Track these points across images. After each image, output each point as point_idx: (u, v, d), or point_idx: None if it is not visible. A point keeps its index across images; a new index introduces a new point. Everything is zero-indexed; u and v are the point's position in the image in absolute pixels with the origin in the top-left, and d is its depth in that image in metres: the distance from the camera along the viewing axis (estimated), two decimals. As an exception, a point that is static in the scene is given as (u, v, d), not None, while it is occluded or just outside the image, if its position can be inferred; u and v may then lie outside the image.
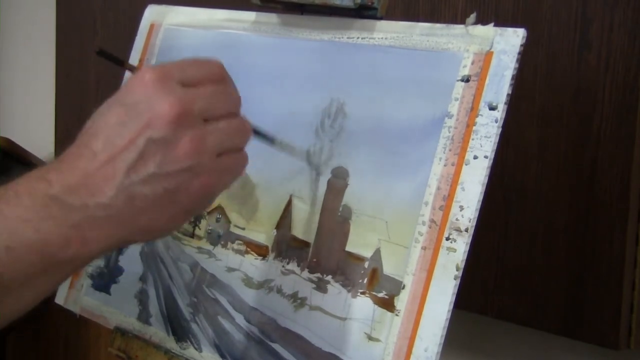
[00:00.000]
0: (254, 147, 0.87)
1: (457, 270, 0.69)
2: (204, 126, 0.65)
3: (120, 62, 0.69)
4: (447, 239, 0.70)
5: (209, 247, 0.89)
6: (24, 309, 0.64)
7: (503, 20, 1.01)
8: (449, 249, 0.70)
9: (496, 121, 0.69)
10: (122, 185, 0.62)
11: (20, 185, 0.63)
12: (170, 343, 0.89)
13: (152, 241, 0.73)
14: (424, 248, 0.71)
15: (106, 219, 0.62)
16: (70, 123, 1.81)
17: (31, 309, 0.65)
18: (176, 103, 0.63)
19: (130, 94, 0.64)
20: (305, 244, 0.81)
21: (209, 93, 0.66)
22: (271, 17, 0.90)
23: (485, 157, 0.69)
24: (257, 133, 0.76)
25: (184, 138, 0.63)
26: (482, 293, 1.08)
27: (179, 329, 0.88)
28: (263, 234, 0.84)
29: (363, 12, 0.81)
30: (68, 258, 0.62)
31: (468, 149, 0.70)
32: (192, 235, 0.91)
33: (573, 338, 1.02)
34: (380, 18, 0.81)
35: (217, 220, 0.89)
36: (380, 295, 0.73)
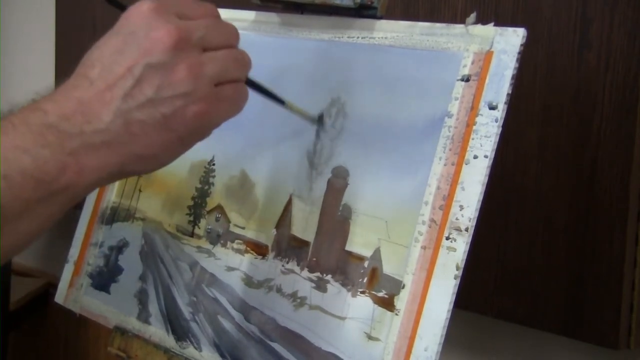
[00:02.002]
0: (254, 147, 0.87)
1: (457, 269, 0.69)
2: (202, 54, 0.65)
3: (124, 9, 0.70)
4: (447, 238, 0.70)
5: (208, 246, 0.89)
6: (21, 244, 0.63)
7: (503, 20, 1.01)
8: (449, 248, 0.69)
9: (496, 121, 0.69)
10: (119, 111, 0.63)
11: (16, 117, 0.63)
12: (170, 342, 0.89)
13: (149, 172, 0.72)
14: (423, 247, 0.71)
15: (102, 145, 0.63)
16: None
17: (31, 309, 0.65)
18: (174, 30, 0.64)
19: (127, 24, 0.65)
20: (305, 244, 0.81)
21: (206, 24, 0.67)
22: (271, 17, 0.90)
23: (485, 156, 0.69)
24: (268, 93, 0.78)
25: (182, 64, 0.64)
26: (482, 293, 1.08)
27: (178, 329, 0.88)
28: (263, 233, 0.84)
29: (363, 12, 0.81)
30: (64, 186, 0.62)
31: (468, 149, 0.70)
32: (192, 235, 0.91)
33: (573, 338, 1.02)
34: (380, 17, 0.81)
35: (217, 220, 0.89)
36: (380, 294, 0.73)
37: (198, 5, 0.68)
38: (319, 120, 0.82)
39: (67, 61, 1.82)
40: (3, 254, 0.62)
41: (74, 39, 1.79)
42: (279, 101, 0.80)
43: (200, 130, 0.67)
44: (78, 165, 0.62)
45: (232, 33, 0.69)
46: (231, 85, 0.68)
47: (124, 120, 0.63)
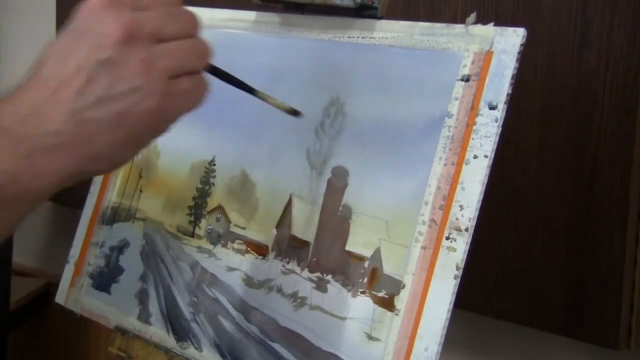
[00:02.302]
0: (254, 147, 0.87)
1: (457, 269, 0.69)
2: (154, 47, 0.63)
3: None
4: (447, 238, 0.70)
5: (209, 246, 0.89)
6: None
7: (503, 20, 1.01)
8: (449, 248, 0.70)
9: (496, 120, 0.69)
10: (72, 110, 0.61)
11: None
12: (171, 342, 0.89)
13: (107, 172, 0.70)
14: (424, 247, 0.71)
15: (57, 147, 0.61)
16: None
17: (32, 309, 0.65)
18: (124, 23, 0.61)
19: (79, 20, 0.63)
20: (305, 244, 0.81)
21: (161, 13, 0.64)
22: (271, 17, 0.90)
23: (485, 156, 0.69)
24: (235, 82, 0.74)
25: (132, 58, 0.61)
26: (482, 293, 1.08)
27: (179, 329, 0.88)
28: (263, 234, 0.84)
29: (363, 12, 0.82)
30: (20, 192, 0.61)
31: (468, 149, 0.70)
32: (192, 235, 0.91)
33: (573, 338, 1.02)
34: (381, 18, 0.81)
35: (217, 220, 0.89)
36: (380, 294, 0.73)
37: None
38: (294, 114, 0.80)
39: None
40: None
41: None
42: (249, 90, 0.76)
43: (155, 126, 0.64)
44: (33, 169, 0.61)
45: (189, 22, 0.66)
46: (188, 78, 0.65)
47: (77, 120, 0.61)
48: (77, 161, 0.62)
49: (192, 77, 0.65)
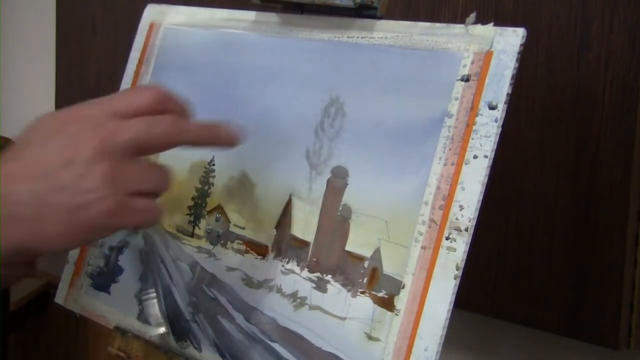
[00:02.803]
0: (253, 147, 0.87)
1: (457, 269, 0.69)
2: (124, 162, 0.69)
3: None
4: (447, 238, 0.70)
5: (208, 246, 0.89)
6: None
7: (503, 20, 1.01)
8: (448, 248, 0.70)
9: (496, 121, 0.69)
10: (35, 189, 0.67)
11: None
12: (170, 343, 0.89)
13: (47, 253, 0.75)
14: (423, 247, 0.71)
15: (15, 217, 0.67)
16: (70, 123, 1.81)
17: (31, 309, 0.68)
18: (102, 133, 0.68)
19: (72, 111, 0.72)
20: (305, 244, 0.81)
21: (138, 125, 0.70)
22: (271, 17, 0.90)
23: (485, 156, 0.69)
24: None
25: (101, 165, 0.67)
26: (481, 293, 1.08)
27: (178, 329, 0.88)
28: (263, 234, 0.84)
29: (363, 12, 0.81)
30: None
31: (468, 149, 0.70)
32: (192, 235, 0.91)
33: (573, 338, 1.02)
34: (380, 17, 0.81)
35: (217, 220, 0.89)
36: (380, 294, 0.73)
37: (141, 98, 0.72)
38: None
39: (67, 61, 1.82)
40: None
41: (74, 39, 1.79)
42: None
43: (102, 227, 0.69)
44: None
45: (164, 138, 0.71)
46: (144, 200, 0.70)
47: (37, 199, 0.67)
48: (26, 236, 0.68)
49: (147, 200, 0.71)
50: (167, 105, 0.72)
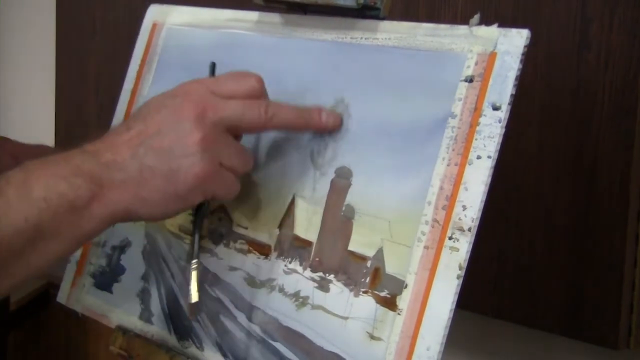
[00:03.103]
0: (256, 146, 0.87)
1: (459, 269, 0.69)
2: (219, 133, 0.75)
3: None
4: (450, 238, 0.70)
5: (211, 246, 0.89)
6: (47, 264, 0.72)
7: (503, 20, 1.01)
8: (451, 248, 0.70)
9: (499, 121, 0.70)
10: (137, 154, 0.73)
11: (59, 155, 0.73)
12: (172, 342, 0.89)
13: (150, 219, 0.81)
14: (426, 247, 0.71)
15: (120, 182, 0.73)
16: (70, 123, 1.81)
17: (32, 308, 0.70)
18: (202, 103, 0.75)
19: (177, 90, 0.78)
20: (308, 243, 0.81)
21: (235, 108, 0.77)
22: (274, 17, 0.90)
23: (489, 157, 0.69)
24: None
25: (199, 133, 0.74)
26: (481, 292, 1.08)
27: (180, 328, 0.89)
28: (265, 233, 0.85)
29: (366, 13, 0.82)
30: (92, 214, 0.71)
31: (471, 149, 0.70)
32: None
33: (573, 338, 1.02)
34: (383, 18, 0.81)
35: (220, 219, 0.89)
36: (383, 294, 0.74)
37: (241, 84, 0.79)
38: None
39: (67, 61, 1.82)
40: (32, 270, 0.71)
41: (74, 39, 1.79)
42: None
43: (193, 192, 0.75)
44: (104, 196, 0.72)
45: (257, 121, 0.78)
46: (230, 174, 0.77)
47: (139, 162, 0.73)
48: (131, 199, 0.73)
49: (233, 174, 0.78)
50: (264, 93, 0.79)
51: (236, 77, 0.80)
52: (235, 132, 0.78)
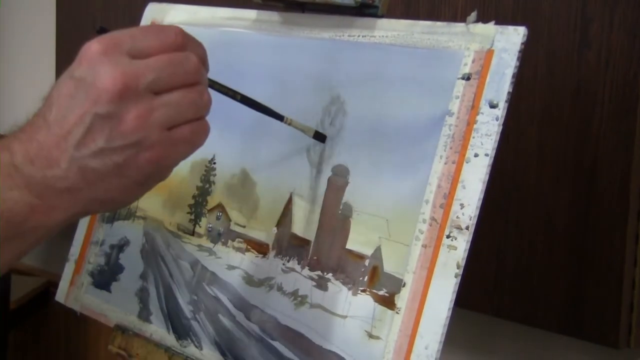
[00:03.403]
0: (254, 145, 0.87)
1: (457, 268, 0.69)
2: (152, 100, 0.64)
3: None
4: (448, 237, 0.70)
5: (209, 245, 0.89)
6: None
7: (503, 19, 1.01)
8: (449, 247, 0.70)
9: (497, 119, 0.69)
10: (74, 159, 0.63)
11: None
12: (171, 341, 0.89)
13: (114, 211, 0.78)
14: (424, 246, 0.71)
15: (64, 190, 0.64)
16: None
17: (32, 308, 0.68)
18: (119, 77, 0.62)
19: (78, 66, 0.64)
20: (306, 242, 0.81)
21: (159, 64, 0.64)
22: (272, 16, 0.90)
23: (486, 155, 0.69)
24: (267, 111, 0.79)
25: (129, 113, 0.62)
26: (482, 292, 1.08)
27: (179, 327, 0.88)
28: (263, 232, 0.85)
29: (364, 11, 0.82)
30: (32, 226, 0.64)
31: (469, 147, 0.70)
32: (193, 233, 0.91)
33: (573, 337, 1.02)
34: (381, 16, 0.81)
35: (218, 218, 0.89)
36: (381, 293, 0.73)
37: (157, 35, 0.66)
38: (319, 138, 0.82)
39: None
40: None
41: (74, 39, 1.78)
42: (278, 117, 0.80)
43: (156, 174, 0.67)
44: (45, 207, 0.64)
45: (191, 69, 0.66)
46: (187, 126, 0.66)
47: (79, 167, 0.63)
48: (82, 203, 0.66)
49: (190, 124, 0.66)
50: (187, 47, 0.67)
51: (155, 31, 0.67)
52: (166, 90, 0.65)
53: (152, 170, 0.65)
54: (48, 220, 0.65)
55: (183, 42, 0.67)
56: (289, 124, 0.80)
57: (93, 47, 0.64)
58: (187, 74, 0.66)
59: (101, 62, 0.63)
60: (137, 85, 0.63)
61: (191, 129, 0.66)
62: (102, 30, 0.69)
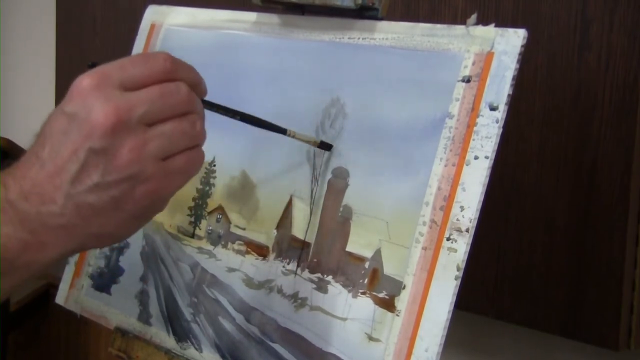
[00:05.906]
0: (254, 148, 0.87)
1: (457, 270, 0.69)
2: (145, 132, 0.64)
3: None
4: (448, 239, 0.70)
5: (209, 247, 0.89)
6: None
7: (503, 21, 1.02)
8: (449, 249, 0.70)
9: (497, 122, 0.69)
10: (69, 195, 0.63)
11: None
12: (171, 343, 0.89)
13: (110, 245, 0.75)
14: (424, 248, 0.71)
15: (59, 226, 0.64)
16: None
17: (32, 310, 0.67)
18: (112, 111, 0.62)
19: (70, 101, 0.64)
20: (306, 244, 0.81)
21: (151, 96, 0.65)
22: (272, 18, 0.90)
23: (486, 157, 0.69)
24: (269, 126, 0.79)
25: (123, 147, 0.63)
26: (481, 293, 1.08)
27: (179, 329, 0.88)
28: (263, 234, 0.85)
29: (364, 13, 0.82)
30: (25, 263, 0.64)
31: (469, 150, 0.70)
32: (193, 236, 0.91)
33: (573, 338, 1.02)
34: (381, 19, 0.81)
35: (218, 221, 0.89)
36: (381, 295, 0.73)
37: (144, 64, 0.66)
38: (325, 147, 0.81)
39: (67, 61, 1.82)
40: None
41: (74, 39, 1.79)
42: (281, 131, 0.80)
43: (153, 206, 0.67)
44: (39, 244, 0.64)
45: (180, 101, 0.66)
46: (182, 156, 0.66)
47: (74, 204, 0.63)
48: (78, 239, 0.65)
49: (185, 154, 0.67)
50: (178, 74, 0.67)
51: (144, 60, 0.66)
52: (159, 122, 0.65)
53: (148, 202, 0.65)
54: (41, 256, 0.65)
55: (172, 68, 0.66)
56: (293, 137, 0.80)
57: (84, 82, 0.64)
58: (179, 104, 0.66)
59: (93, 96, 0.63)
60: (129, 118, 0.63)
61: (186, 158, 0.67)
62: (94, 66, 0.68)
